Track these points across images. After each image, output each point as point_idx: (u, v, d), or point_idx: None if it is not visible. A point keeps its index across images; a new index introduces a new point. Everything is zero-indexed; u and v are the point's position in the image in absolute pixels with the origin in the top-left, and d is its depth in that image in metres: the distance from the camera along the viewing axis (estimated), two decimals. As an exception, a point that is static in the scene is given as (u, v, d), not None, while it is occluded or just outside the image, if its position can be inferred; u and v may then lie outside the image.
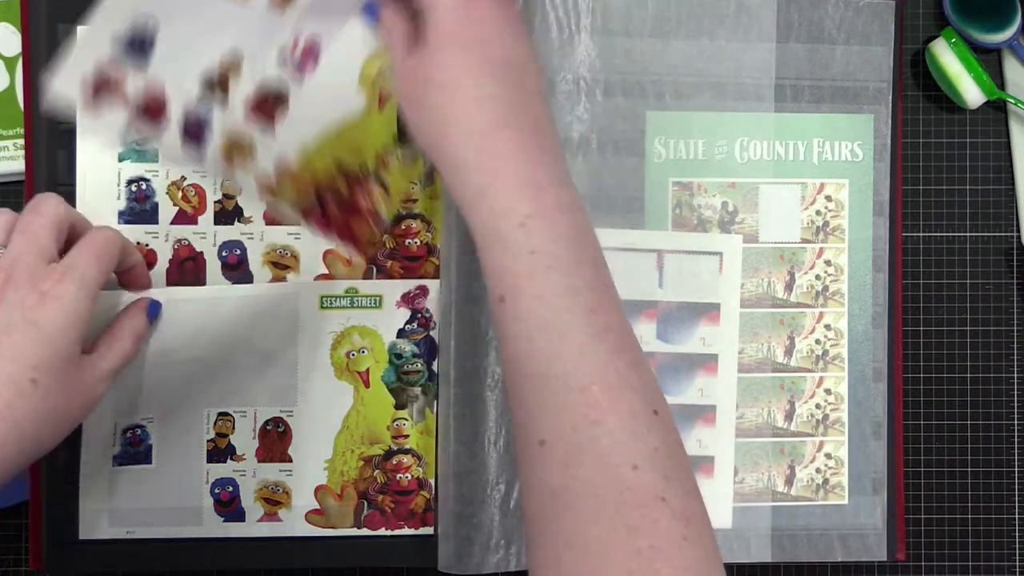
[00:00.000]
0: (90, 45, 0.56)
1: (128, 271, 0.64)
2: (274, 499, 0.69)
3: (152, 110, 0.61)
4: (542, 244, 0.51)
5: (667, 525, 0.48)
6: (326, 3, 0.62)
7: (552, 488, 0.50)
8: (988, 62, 0.76)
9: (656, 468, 0.49)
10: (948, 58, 0.73)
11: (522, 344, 0.51)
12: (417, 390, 0.70)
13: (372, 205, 0.65)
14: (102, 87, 0.60)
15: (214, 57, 0.60)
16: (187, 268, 0.68)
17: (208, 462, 0.68)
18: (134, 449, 0.68)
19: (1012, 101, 0.75)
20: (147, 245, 0.68)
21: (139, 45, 0.59)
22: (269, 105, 0.62)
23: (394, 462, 0.69)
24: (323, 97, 0.63)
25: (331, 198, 0.64)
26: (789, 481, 0.72)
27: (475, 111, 0.53)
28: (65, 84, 0.59)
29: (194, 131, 0.61)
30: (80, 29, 0.65)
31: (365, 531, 0.69)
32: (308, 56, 0.62)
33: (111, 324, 0.63)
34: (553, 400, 0.50)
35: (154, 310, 0.65)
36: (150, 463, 0.68)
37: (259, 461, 0.69)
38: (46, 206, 0.59)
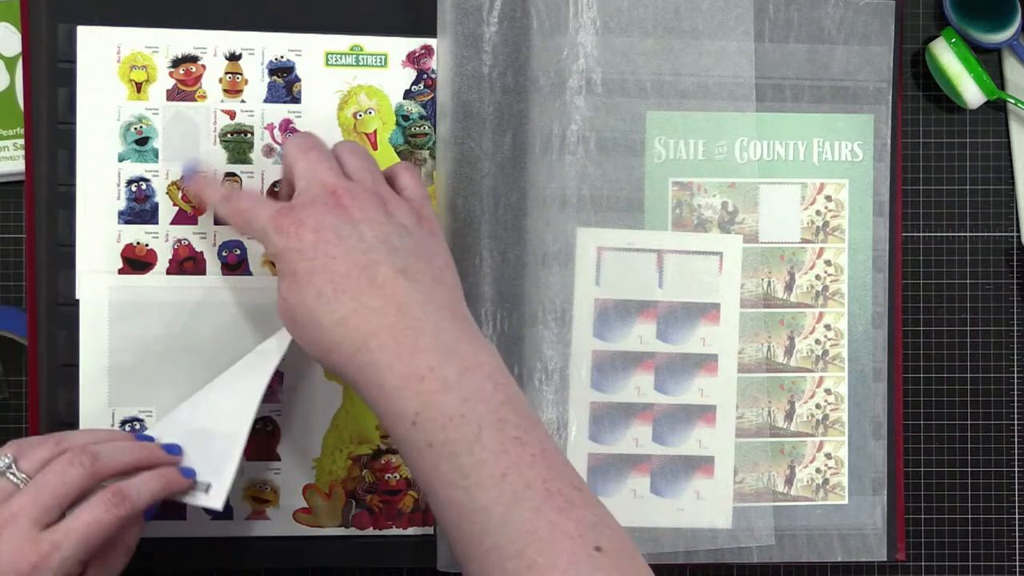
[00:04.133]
0: None
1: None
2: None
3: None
4: (435, 435, 0.53)
5: None
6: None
7: None
8: (988, 62, 0.76)
9: None
10: (948, 58, 0.73)
11: (452, 531, 0.53)
12: None
13: (400, 475, 0.69)
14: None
15: None
16: (187, 268, 0.68)
17: None
18: None
19: (1012, 101, 0.75)
20: (147, 245, 0.68)
21: None
22: (262, 435, 0.68)
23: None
24: (305, 403, 0.69)
25: (363, 491, 0.69)
26: (789, 481, 0.72)
27: (340, 336, 0.55)
28: None
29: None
30: None
31: (366, 531, 0.69)
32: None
33: (104, 545, 0.59)
34: (494, 571, 0.52)
35: (150, 515, 0.62)
36: None
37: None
38: (74, 467, 0.56)
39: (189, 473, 0.61)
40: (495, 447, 0.52)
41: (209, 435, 0.62)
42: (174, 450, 0.61)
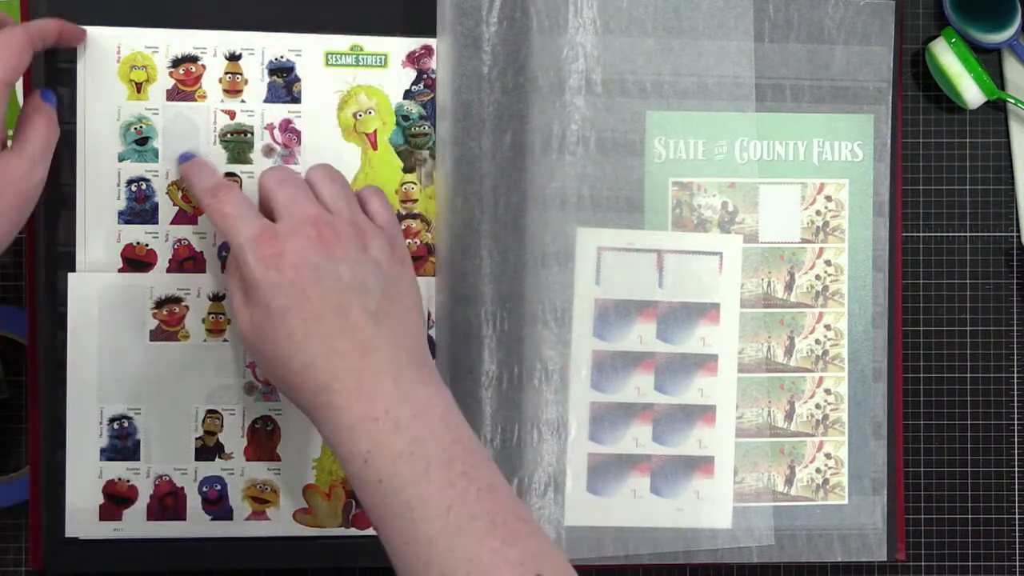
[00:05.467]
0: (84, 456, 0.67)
1: (58, 38, 0.65)
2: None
3: (170, 504, 0.68)
4: (384, 471, 0.55)
5: None
6: None
7: None
8: (988, 62, 0.76)
9: None
10: (948, 58, 0.73)
11: (400, 561, 0.55)
12: None
13: None
14: (114, 494, 0.67)
15: (190, 417, 0.68)
16: (187, 268, 0.68)
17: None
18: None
19: (1012, 101, 0.75)
20: (147, 245, 0.68)
21: (127, 450, 0.67)
22: (262, 435, 0.68)
23: None
24: None
25: None
26: (789, 481, 0.72)
27: (306, 378, 0.57)
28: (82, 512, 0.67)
29: (215, 500, 0.68)
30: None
31: (366, 531, 0.69)
32: None
33: (19, 119, 0.63)
34: None
35: (47, 95, 0.65)
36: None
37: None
38: None
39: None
40: (442, 482, 0.54)
41: None
42: None
